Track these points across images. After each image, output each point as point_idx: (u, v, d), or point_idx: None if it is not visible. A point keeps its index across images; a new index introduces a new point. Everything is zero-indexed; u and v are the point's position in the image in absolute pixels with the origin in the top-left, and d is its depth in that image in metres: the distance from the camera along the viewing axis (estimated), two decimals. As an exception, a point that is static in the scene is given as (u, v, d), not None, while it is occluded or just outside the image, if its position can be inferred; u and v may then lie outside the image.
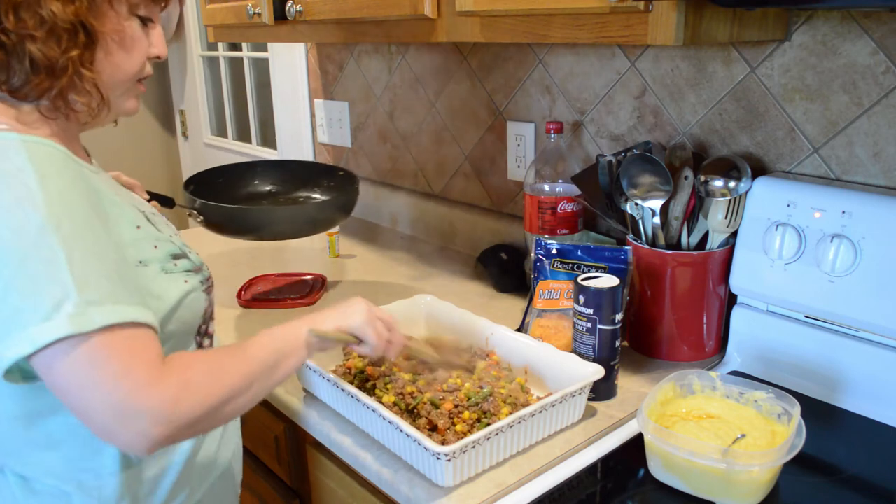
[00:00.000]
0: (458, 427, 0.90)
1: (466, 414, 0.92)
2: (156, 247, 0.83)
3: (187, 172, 3.27)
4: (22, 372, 0.73)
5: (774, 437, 0.87)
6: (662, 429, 0.85)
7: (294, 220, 1.39)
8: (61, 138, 0.80)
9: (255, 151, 2.71)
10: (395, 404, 0.96)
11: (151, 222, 0.86)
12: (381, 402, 0.96)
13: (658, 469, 0.87)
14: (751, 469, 0.80)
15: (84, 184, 0.76)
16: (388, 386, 1.00)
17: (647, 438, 0.86)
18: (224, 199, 1.36)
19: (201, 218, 1.29)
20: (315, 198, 1.58)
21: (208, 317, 0.92)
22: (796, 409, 0.86)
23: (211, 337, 0.95)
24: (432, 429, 0.91)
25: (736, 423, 0.89)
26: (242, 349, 0.81)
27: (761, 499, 0.82)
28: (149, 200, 1.16)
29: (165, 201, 1.28)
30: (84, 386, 0.69)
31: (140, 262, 0.80)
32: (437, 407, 0.93)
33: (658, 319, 1.14)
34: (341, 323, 0.88)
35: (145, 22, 0.83)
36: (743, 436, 0.86)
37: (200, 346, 0.91)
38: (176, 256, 0.85)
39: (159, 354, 0.73)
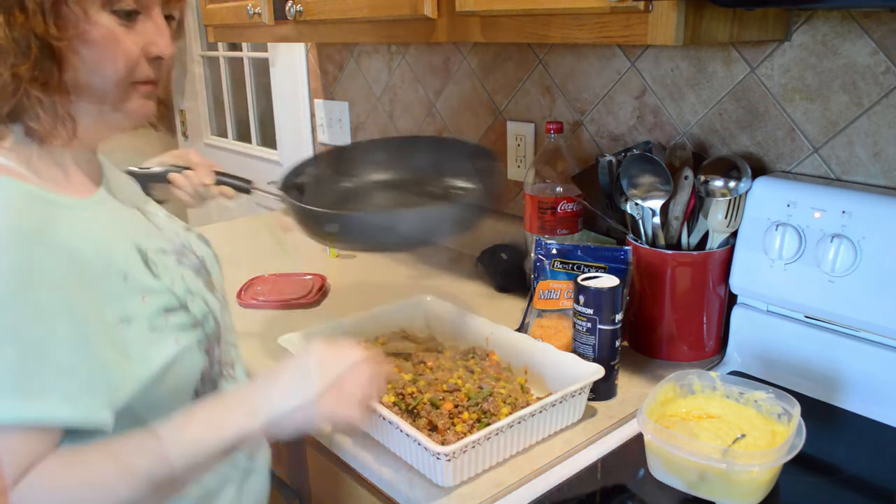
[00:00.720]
0: (458, 427, 0.90)
1: (466, 414, 0.92)
2: (144, 298, 0.72)
3: (187, 172, 3.27)
4: None
5: (774, 437, 0.87)
6: (662, 429, 0.85)
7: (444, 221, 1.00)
8: (39, 163, 0.70)
9: (256, 151, 2.71)
10: (395, 404, 0.96)
11: (149, 266, 0.75)
12: (381, 402, 0.96)
13: (658, 469, 0.87)
14: (751, 469, 0.80)
15: (53, 230, 0.66)
16: (389, 386, 1.00)
17: (646, 438, 0.86)
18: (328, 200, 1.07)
19: (336, 227, 0.98)
20: (454, 186, 1.14)
21: (213, 375, 0.81)
22: (796, 409, 0.86)
23: (234, 380, 0.86)
24: (432, 429, 0.91)
25: (736, 423, 0.89)
26: (131, 465, 0.67)
27: (761, 498, 0.82)
28: (217, 184, 1.07)
29: (241, 186, 1.09)
30: None
31: (122, 320, 0.70)
32: (437, 407, 0.93)
33: (658, 319, 1.14)
34: (313, 422, 0.75)
35: (130, 16, 0.71)
36: (743, 436, 0.86)
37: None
38: (169, 310, 0.74)
39: (29, 464, 0.63)
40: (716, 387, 0.94)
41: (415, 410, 0.94)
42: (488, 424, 0.89)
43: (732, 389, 0.93)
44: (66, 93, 0.69)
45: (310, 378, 0.74)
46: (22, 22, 0.65)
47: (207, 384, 0.80)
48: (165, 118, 3.33)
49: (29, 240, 0.64)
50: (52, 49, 0.67)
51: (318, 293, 1.46)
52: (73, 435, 0.66)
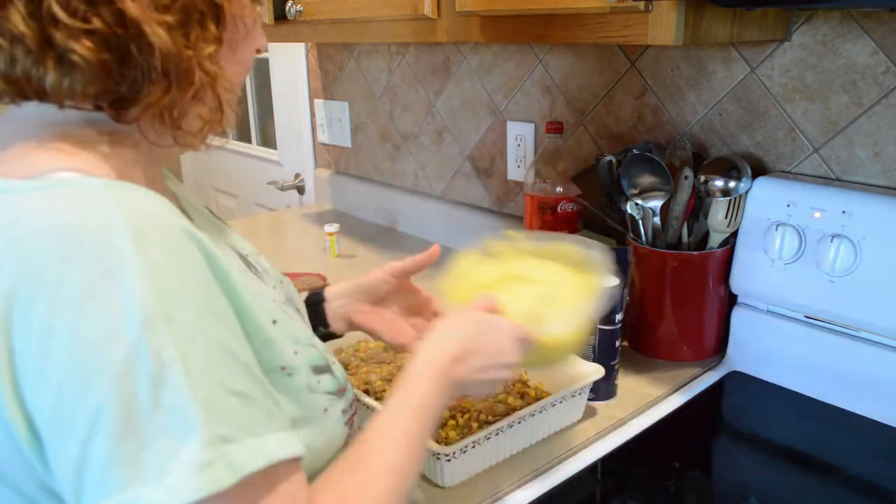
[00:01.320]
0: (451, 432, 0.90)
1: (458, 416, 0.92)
2: (296, 352, 0.58)
3: (187, 173, 3.28)
4: None
5: (578, 289, 0.81)
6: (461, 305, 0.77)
7: None
8: (149, 184, 0.55)
9: (256, 151, 2.71)
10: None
11: (287, 315, 0.61)
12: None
13: None
14: (555, 332, 0.77)
15: (201, 244, 0.51)
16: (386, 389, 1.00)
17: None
18: None
19: None
20: None
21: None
22: (599, 255, 0.82)
23: None
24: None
25: (542, 280, 0.83)
26: (390, 468, 0.58)
27: (572, 354, 0.86)
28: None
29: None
30: None
31: (283, 369, 0.57)
32: None
33: (658, 319, 1.14)
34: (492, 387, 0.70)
35: (257, 4, 0.62)
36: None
37: None
38: (318, 370, 0.61)
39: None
40: (520, 244, 0.88)
41: None
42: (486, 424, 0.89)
43: (538, 245, 0.87)
44: (219, 79, 0.56)
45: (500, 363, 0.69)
46: None
47: None
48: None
49: (191, 259, 0.50)
50: (224, 30, 0.56)
51: (318, 293, 1.45)
52: None
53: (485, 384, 0.70)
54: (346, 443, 0.65)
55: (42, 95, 0.53)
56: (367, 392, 0.98)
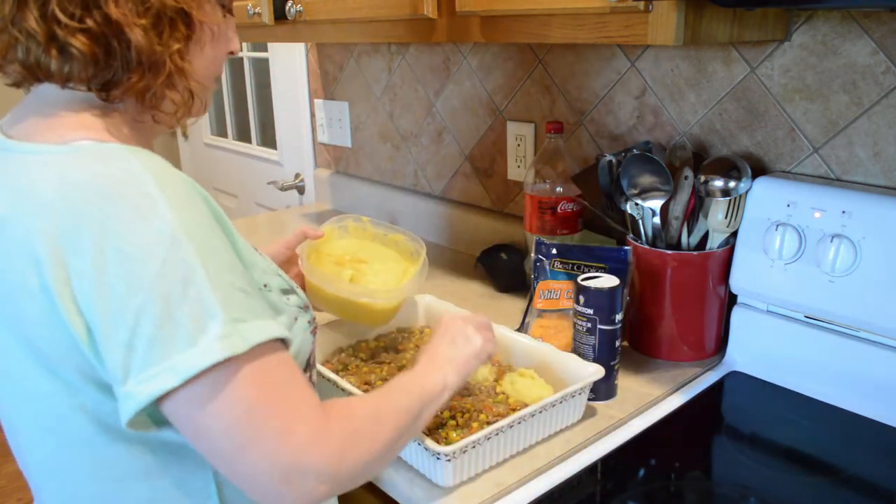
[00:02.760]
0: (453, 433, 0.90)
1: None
2: (266, 274, 0.75)
3: (188, 172, 3.27)
4: (152, 418, 0.65)
5: (405, 274, 1.09)
6: (313, 267, 1.03)
7: None
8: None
9: (255, 151, 2.71)
10: None
11: (259, 254, 0.78)
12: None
13: (313, 300, 1.02)
14: (376, 302, 1.05)
15: (200, 189, 0.68)
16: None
17: (305, 276, 1.04)
18: None
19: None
20: None
21: (311, 362, 0.82)
22: (423, 250, 1.07)
23: (313, 388, 0.86)
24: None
25: (378, 265, 1.10)
26: (391, 398, 0.75)
27: (389, 320, 1.10)
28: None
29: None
30: (239, 435, 0.61)
31: (265, 286, 0.72)
32: None
33: (658, 319, 1.14)
34: (477, 360, 0.88)
35: (226, 9, 0.77)
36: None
37: None
38: (285, 291, 0.77)
39: (315, 396, 0.67)
40: (367, 228, 1.14)
41: None
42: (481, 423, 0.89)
43: (378, 231, 1.14)
44: (186, 70, 0.71)
45: (465, 334, 0.89)
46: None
47: (309, 369, 0.81)
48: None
49: (197, 197, 0.66)
50: (193, 31, 0.71)
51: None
52: None
53: (472, 353, 0.88)
54: (312, 351, 0.82)
55: (49, 77, 0.68)
56: (366, 392, 0.98)
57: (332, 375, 0.98)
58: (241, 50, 2.68)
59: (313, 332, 0.82)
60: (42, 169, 0.65)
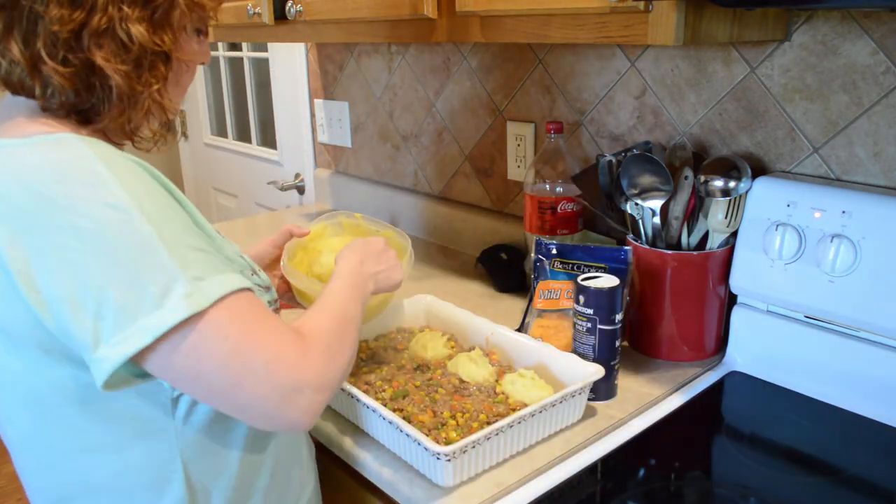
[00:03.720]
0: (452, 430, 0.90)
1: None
2: (229, 258, 0.78)
3: (188, 172, 3.27)
4: (132, 372, 0.68)
5: None
6: (292, 269, 1.03)
7: None
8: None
9: (255, 151, 2.71)
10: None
11: (221, 235, 0.82)
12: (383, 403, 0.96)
13: (302, 302, 1.05)
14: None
15: (150, 175, 0.71)
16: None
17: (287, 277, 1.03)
18: None
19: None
20: None
21: None
22: (409, 245, 1.08)
23: None
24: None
25: None
26: (343, 310, 0.81)
27: (376, 316, 1.09)
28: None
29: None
30: (231, 371, 0.66)
31: (227, 258, 0.76)
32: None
33: (658, 319, 1.14)
34: (392, 287, 0.96)
35: (201, 34, 0.81)
36: None
37: None
38: (247, 270, 0.82)
39: (287, 324, 0.72)
40: (360, 225, 1.15)
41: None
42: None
43: (371, 228, 1.15)
44: (165, 105, 0.76)
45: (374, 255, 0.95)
46: (160, 41, 0.72)
47: None
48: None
49: (145, 174, 0.70)
50: (171, 68, 0.75)
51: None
52: None
53: (386, 273, 0.95)
54: None
55: (31, 97, 0.72)
56: (366, 392, 0.98)
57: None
58: (243, 50, 2.68)
59: (275, 312, 0.85)
60: (1, 160, 0.68)
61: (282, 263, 1.04)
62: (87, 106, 0.72)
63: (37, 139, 0.69)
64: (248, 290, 0.70)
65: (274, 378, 0.67)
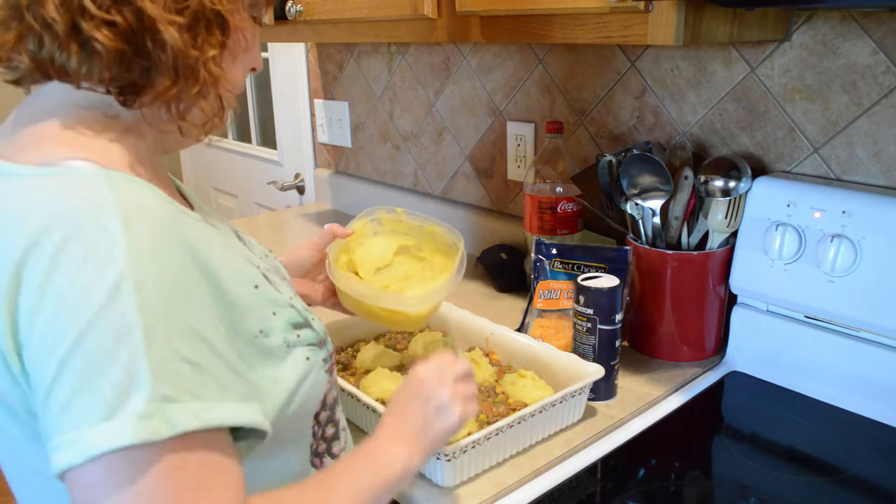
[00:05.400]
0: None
1: None
2: (274, 314, 0.66)
3: (188, 172, 3.28)
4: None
5: (442, 269, 1.03)
6: (339, 273, 0.96)
7: None
8: (151, 172, 0.64)
9: (256, 151, 2.71)
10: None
11: (270, 281, 0.69)
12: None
13: (346, 305, 1.01)
14: (407, 308, 0.96)
15: (185, 232, 0.58)
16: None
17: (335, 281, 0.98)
18: None
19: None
20: None
21: (330, 403, 0.75)
22: (461, 244, 1.00)
23: (336, 425, 0.78)
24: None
25: (413, 262, 1.06)
26: (336, 492, 0.64)
27: (425, 323, 1.02)
28: None
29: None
30: None
31: (261, 332, 0.64)
32: None
33: (658, 319, 1.14)
34: (451, 436, 0.75)
35: (257, 23, 0.70)
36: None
37: (323, 437, 0.75)
38: (297, 326, 0.69)
39: (241, 489, 0.56)
40: (401, 220, 1.07)
41: None
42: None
43: (415, 222, 1.06)
44: (221, 81, 0.64)
45: (440, 402, 0.74)
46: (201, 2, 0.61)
47: (326, 409, 0.75)
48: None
49: (178, 225, 0.58)
50: (228, 38, 0.64)
51: (318, 293, 1.45)
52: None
53: (444, 424, 0.74)
54: (329, 390, 0.74)
55: (62, 76, 0.60)
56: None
57: (332, 375, 0.98)
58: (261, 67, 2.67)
59: (329, 371, 0.74)
60: (11, 195, 0.57)
61: (328, 267, 0.97)
62: (133, 77, 0.59)
63: (56, 171, 0.58)
64: (226, 429, 0.56)
65: None
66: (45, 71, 0.60)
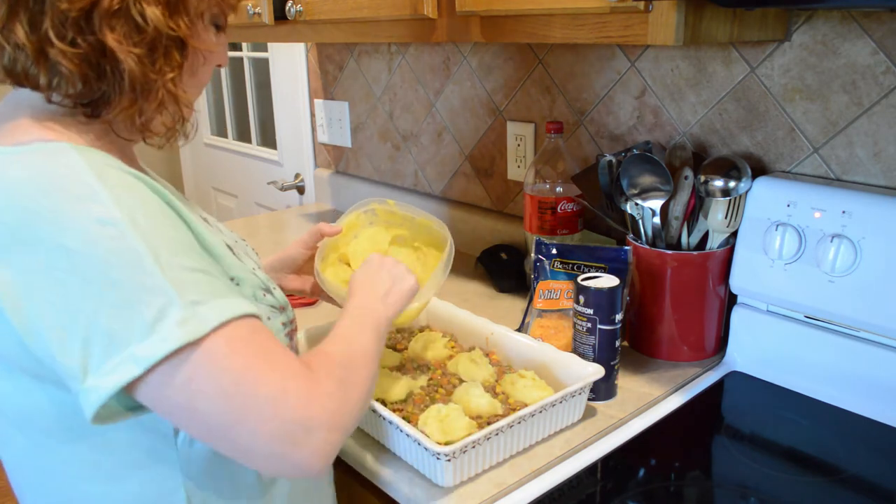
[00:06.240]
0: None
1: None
2: (233, 278, 0.73)
3: (188, 172, 3.27)
4: (124, 405, 0.63)
5: (436, 262, 1.05)
6: (325, 278, 0.99)
7: None
8: (122, 157, 0.70)
9: (255, 151, 2.71)
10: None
11: (234, 253, 0.76)
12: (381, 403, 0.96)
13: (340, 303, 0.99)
14: (413, 304, 0.96)
15: (150, 188, 0.66)
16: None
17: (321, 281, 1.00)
18: None
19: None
20: None
21: None
22: (449, 240, 1.02)
23: None
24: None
25: (409, 252, 1.08)
26: (358, 344, 0.75)
27: (414, 319, 1.07)
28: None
29: None
30: (231, 408, 0.59)
31: (234, 280, 0.72)
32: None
33: (658, 319, 1.14)
34: (410, 295, 0.89)
35: (220, 30, 0.76)
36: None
37: None
38: (261, 289, 0.77)
39: (295, 356, 0.66)
40: (394, 212, 1.08)
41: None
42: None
43: (406, 214, 1.08)
44: (180, 97, 0.71)
45: (396, 273, 0.90)
46: (175, 25, 0.67)
47: None
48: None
49: (143, 187, 0.65)
50: (187, 58, 0.70)
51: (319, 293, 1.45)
52: None
53: (396, 289, 0.88)
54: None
55: (35, 88, 0.67)
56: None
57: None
58: (243, 50, 2.69)
59: (289, 335, 0.81)
60: None
61: (315, 269, 1.00)
62: (96, 95, 0.66)
63: (31, 148, 0.64)
64: (254, 316, 0.64)
65: (280, 416, 0.60)
66: (19, 81, 0.67)
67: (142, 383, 0.59)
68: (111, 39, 0.63)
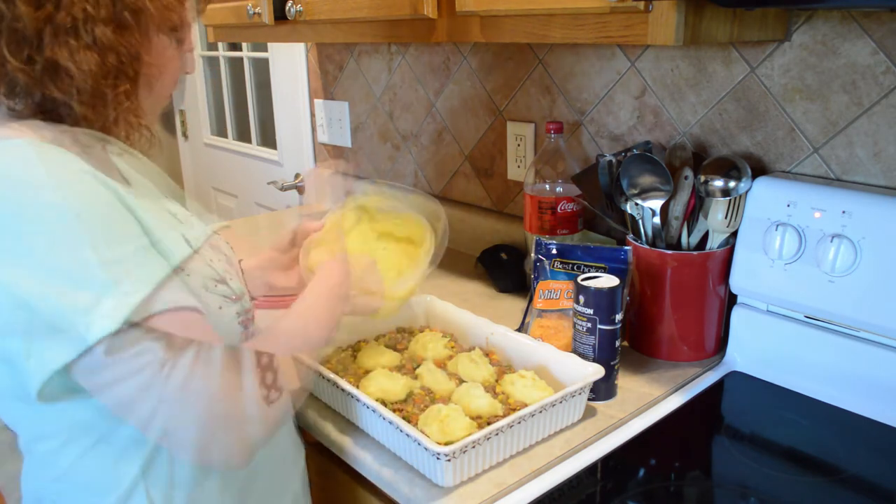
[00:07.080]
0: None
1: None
2: (184, 268, 0.76)
3: (188, 172, 3.27)
4: (65, 387, 0.67)
5: (419, 260, 1.05)
6: (310, 275, 0.97)
7: None
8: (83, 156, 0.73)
9: (255, 151, 2.71)
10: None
11: (190, 245, 0.79)
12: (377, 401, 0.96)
13: None
14: (397, 293, 1.01)
15: (104, 186, 0.69)
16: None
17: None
18: None
19: None
20: None
21: None
22: (428, 235, 1.04)
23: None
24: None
25: (398, 246, 1.08)
26: (299, 324, 0.82)
27: (396, 313, 1.07)
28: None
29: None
30: (166, 392, 0.64)
31: (184, 270, 0.74)
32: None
33: (658, 319, 1.14)
34: (372, 304, 0.96)
35: (180, 41, 0.80)
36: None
37: None
38: (214, 280, 0.79)
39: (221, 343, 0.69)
40: (381, 207, 1.10)
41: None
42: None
43: (391, 212, 1.09)
44: (143, 108, 0.76)
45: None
46: (126, 41, 0.71)
47: None
48: (165, 118, 3.33)
49: (94, 180, 0.68)
50: (141, 71, 0.74)
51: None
52: None
53: (363, 299, 0.97)
54: (244, 342, 0.82)
55: None
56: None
57: (332, 376, 0.98)
58: (243, 50, 2.68)
59: (243, 324, 0.84)
60: None
61: (300, 265, 1.02)
62: (54, 106, 0.71)
63: None
64: (192, 309, 0.68)
65: (215, 401, 0.66)
66: None
67: (75, 364, 0.63)
68: (63, 58, 0.68)
